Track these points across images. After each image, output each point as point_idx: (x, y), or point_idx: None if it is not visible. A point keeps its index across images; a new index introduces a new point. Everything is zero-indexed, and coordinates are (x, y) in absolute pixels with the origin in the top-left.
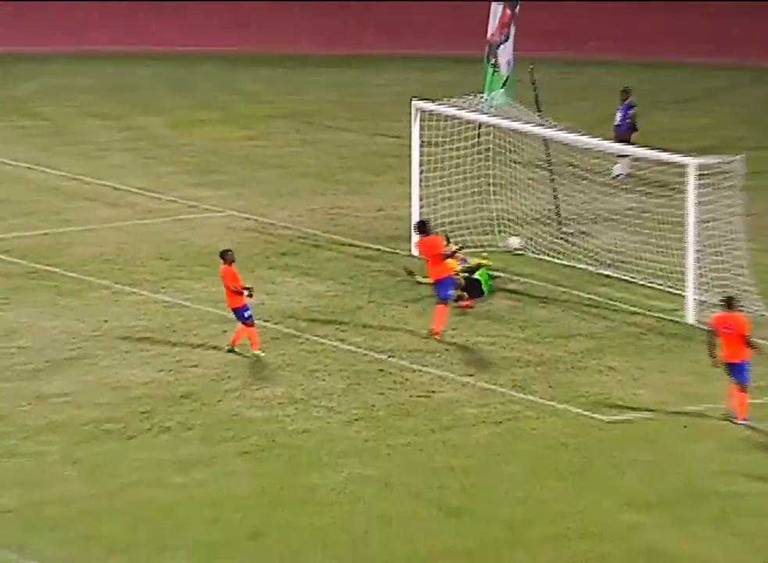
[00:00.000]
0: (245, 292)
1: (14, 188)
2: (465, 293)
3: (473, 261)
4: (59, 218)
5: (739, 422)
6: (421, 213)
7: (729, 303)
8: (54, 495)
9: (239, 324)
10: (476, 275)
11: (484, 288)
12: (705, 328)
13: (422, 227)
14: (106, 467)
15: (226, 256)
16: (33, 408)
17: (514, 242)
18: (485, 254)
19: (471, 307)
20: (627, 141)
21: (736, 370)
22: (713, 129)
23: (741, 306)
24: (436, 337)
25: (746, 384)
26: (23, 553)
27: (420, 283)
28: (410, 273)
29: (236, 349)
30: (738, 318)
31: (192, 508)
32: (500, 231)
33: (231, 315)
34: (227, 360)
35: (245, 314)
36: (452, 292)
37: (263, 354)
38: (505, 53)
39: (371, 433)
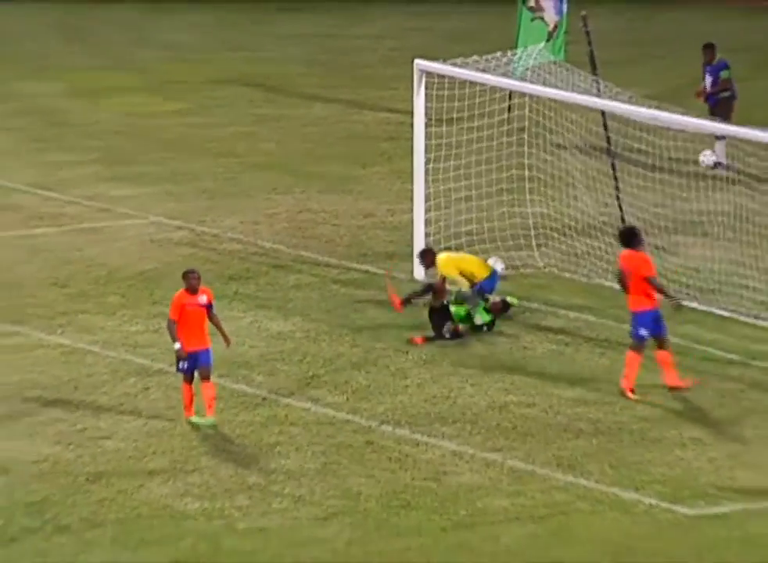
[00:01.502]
0: (176, 346)
1: None
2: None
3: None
4: None
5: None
6: (427, 219)
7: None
8: None
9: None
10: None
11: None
12: None
13: (631, 237)
14: None
15: (186, 278)
16: None
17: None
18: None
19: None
20: (724, 117)
21: None
22: None
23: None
24: (629, 396)
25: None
26: None
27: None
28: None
29: (194, 420)
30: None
31: None
32: (538, 245)
33: (157, 364)
34: (150, 429)
35: (179, 365)
36: (645, 332)
37: (210, 421)
38: None
39: (355, 534)
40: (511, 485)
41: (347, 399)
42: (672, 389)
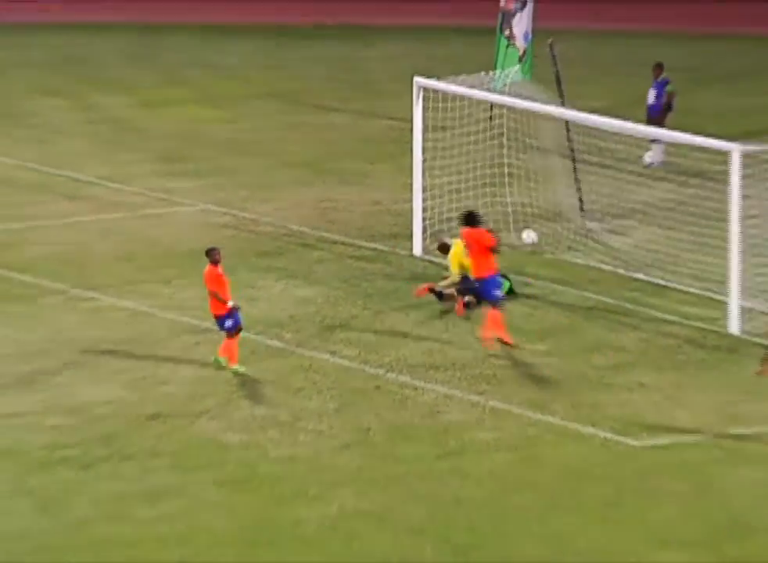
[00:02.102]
0: (229, 305)
1: None
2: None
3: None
4: (7, 213)
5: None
6: (424, 207)
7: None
8: (4, 530)
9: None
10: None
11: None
12: (756, 339)
13: (472, 219)
14: (62, 500)
15: (211, 255)
16: None
17: (530, 236)
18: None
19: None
20: (661, 124)
21: None
22: (762, 111)
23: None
24: (488, 345)
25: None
26: None
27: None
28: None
29: (223, 363)
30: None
31: (160, 546)
32: (515, 228)
33: (206, 323)
34: (200, 376)
35: (226, 323)
36: (499, 293)
37: (242, 369)
38: (521, 23)
39: (366, 461)
40: (491, 422)
41: (359, 352)
42: (485, 340)
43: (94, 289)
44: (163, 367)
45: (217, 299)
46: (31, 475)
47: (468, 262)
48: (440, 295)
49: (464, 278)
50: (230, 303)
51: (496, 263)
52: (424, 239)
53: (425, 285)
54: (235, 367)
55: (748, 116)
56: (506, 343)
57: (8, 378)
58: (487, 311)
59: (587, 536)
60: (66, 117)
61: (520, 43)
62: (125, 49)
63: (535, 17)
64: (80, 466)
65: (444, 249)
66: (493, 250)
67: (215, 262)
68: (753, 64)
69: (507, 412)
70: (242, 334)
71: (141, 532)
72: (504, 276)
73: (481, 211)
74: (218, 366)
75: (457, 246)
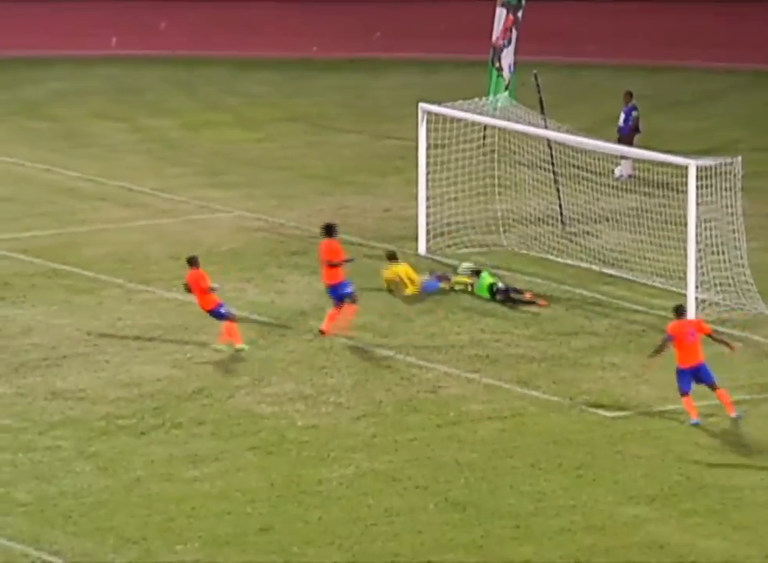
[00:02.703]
0: (215, 286)
1: (29, 189)
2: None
3: (458, 279)
4: (74, 218)
5: (733, 416)
6: (428, 213)
7: (680, 311)
8: (68, 489)
9: (224, 323)
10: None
11: (482, 292)
12: (710, 325)
13: (330, 230)
14: (119, 462)
15: (195, 261)
16: (48, 404)
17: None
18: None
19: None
20: (629, 143)
21: (702, 371)
22: (712, 131)
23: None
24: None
25: (715, 381)
26: (38, 545)
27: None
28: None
29: (244, 347)
30: (695, 322)
31: (203, 502)
32: (504, 231)
33: (241, 312)
34: (237, 357)
35: (223, 311)
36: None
37: (247, 347)
38: (508, 57)
39: (378, 429)
40: (484, 395)
41: (373, 336)
42: (322, 332)
43: (147, 283)
44: (205, 349)
45: (210, 292)
46: (93, 441)
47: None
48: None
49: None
50: (215, 285)
51: (340, 275)
52: (427, 240)
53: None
54: (223, 346)
55: (697, 136)
56: (322, 332)
57: (74, 359)
58: (344, 308)
59: (566, 493)
60: (122, 138)
61: (506, 73)
62: (171, 79)
63: (517, 52)
64: (135, 433)
65: (394, 257)
66: (331, 265)
67: (197, 265)
68: (695, 93)
69: (498, 387)
70: (272, 320)
71: (187, 489)
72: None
73: (475, 216)
74: (240, 351)
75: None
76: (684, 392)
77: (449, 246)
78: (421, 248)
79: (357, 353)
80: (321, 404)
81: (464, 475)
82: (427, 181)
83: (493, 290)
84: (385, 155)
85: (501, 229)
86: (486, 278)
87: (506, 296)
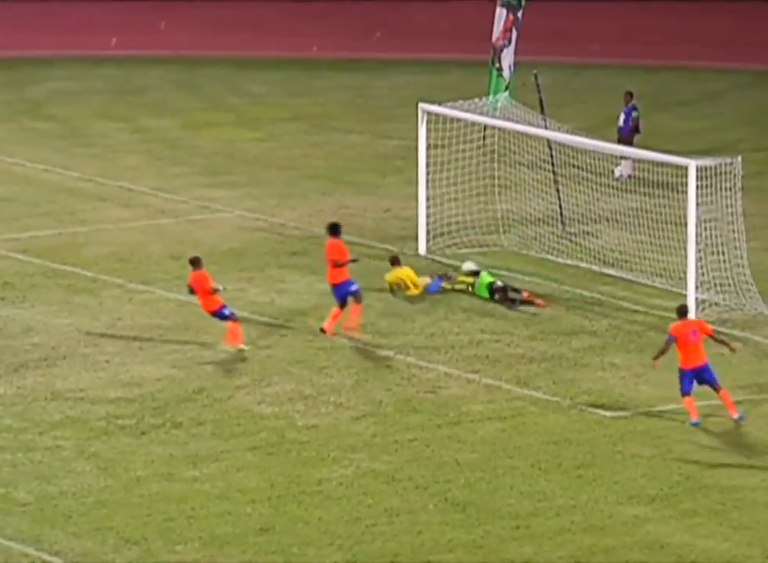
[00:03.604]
0: (219, 288)
1: (29, 189)
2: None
3: (460, 278)
4: (74, 218)
5: (734, 417)
6: (428, 214)
7: (683, 311)
8: (69, 488)
9: (227, 324)
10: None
11: (481, 292)
12: (712, 325)
13: (334, 230)
14: (120, 462)
15: (198, 261)
16: (48, 404)
17: (469, 266)
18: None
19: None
20: (630, 143)
21: (705, 372)
22: (713, 131)
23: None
24: (328, 334)
25: (718, 382)
26: (38, 545)
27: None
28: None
29: (245, 348)
30: (697, 322)
31: (203, 502)
32: (504, 231)
33: (242, 312)
34: (238, 357)
35: (226, 312)
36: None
37: (247, 348)
38: (508, 57)
39: (378, 428)
40: (485, 396)
41: (373, 336)
42: (324, 331)
43: (147, 283)
44: (205, 350)
45: (212, 293)
46: (93, 440)
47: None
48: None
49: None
50: (219, 286)
51: (345, 273)
52: (428, 240)
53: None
54: (229, 346)
55: (698, 135)
56: (323, 331)
57: (75, 359)
58: (348, 307)
59: (566, 493)
60: (123, 137)
61: (506, 73)
62: (172, 79)
63: (517, 52)
64: (135, 433)
65: (396, 261)
66: (336, 265)
67: (200, 266)
68: (694, 93)
69: (497, 387)
70: (272, 320)
71: (187, 489)
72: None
73: (475, 216)
74: (241, 351)
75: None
76: (685, 393)
77: (449, 246)
78: (422, 248)
79: (357, 353)
80: (321, 404)
81: (464, 475)
82: (427, 181)
83: (491, 289)
84: (386, 156)
85: (501, 229)
86: (485, 277)
87: (504, 295)
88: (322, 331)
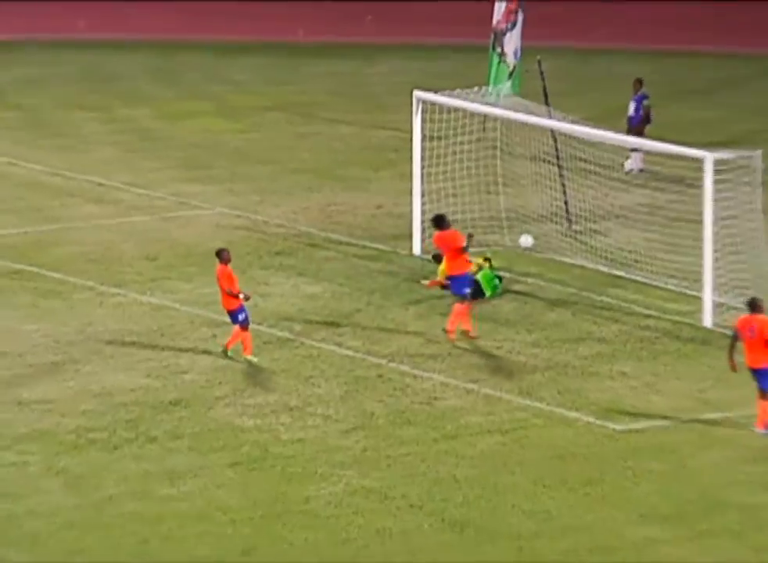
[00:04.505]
0: (241, 297)
1: None
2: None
3: (475, 262)
4: (41, 215)
5: (758, 431)
6: (423, 211)
7: (753, 305)
8: (36, 507)
9: (235, 327)
10: (477, 276)
11: (486, 290)
12: (726, 331)
13: (440, 221)
14: (90, 479)
15: (222, 255)
16: (14, 416)
17: (527, 240)
18: (488, 254)
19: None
20: (640, 134)
21: (760, 376)
22: (731, 121)
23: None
24: (451, 338)
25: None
26: None
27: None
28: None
29: (230, 354)
30: (762, 321)
31: (181, 522)
32: (507, 229)
33: (223, 318)
34: (217, 365)
35: (240, 317)
36: (467, 290)
37: (256, 360)
38: (512, 42)
39: (369, 442)
40: (484, 407)
41: (363, 343)
42: (449, 332)
43: (120, 286)
44: (183, 357)
45: (230, 295)
46: (62, 456)
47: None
48: (443, 286)
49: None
50: (241, 295)
51: (468, 262)
52: (423, 240)
53: (434, 281)
54: (251, 357)
55: (715, 126)
56: (469, 335)
57: (42, 367)
58: (454, 306)
59: (572, 512)
60: (93, 128)
61: (510, 59)
62: (148, 66)
63: (523, 36)
64: (107, 448)
65: (438, 259)
66: (464, 249)
67: (225, 261)
68: (712, 80)
69: (498, 398)
70: (255, 326)
71: (163, 508)
72: (498, 277)
73: (475, 214)
74: (227, 357)
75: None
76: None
77: None
78: (416, 248)
79: (346, 362)
80: (308, 416)
81: (462, 492)
82: (422, 175)
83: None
84: (378, 148)
85: (504, 228)
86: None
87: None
88: (447, 332)
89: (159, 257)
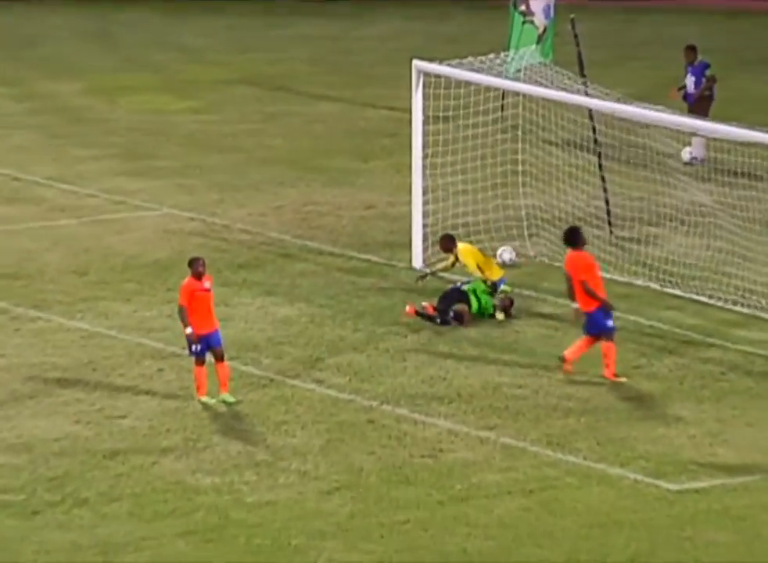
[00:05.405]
0: (188, 332)
1: None
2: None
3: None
4: None
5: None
6: (425, 211)
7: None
8: None
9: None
10: (465, 287)
11: (473, 304)
12: None
13: (575, 237)
14: (4, 551)
15: (191, 264)
16: None
17: (508, 255)
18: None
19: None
20: (703, 114)
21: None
22: None
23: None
24: (568, 370)
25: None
26: None
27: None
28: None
29: (225, 399)
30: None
31: None
32: (530, 236)
33: (171, 348)
34: (164, 408)
35: (192, 347)
36: (611, 323)
37: (212, 401)
38: None
39: (357, 507)
40: (503, 461)
41: (349, 380)
42: (565, 360)
43: (41, 308)
44: (121, 398)
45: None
46: None
47: (483, 263)
48: (429, 318)
49: (492, 284)
50: (188, 330)
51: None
52: (425, 249)
53: (411, 308)
54: (205, 398)
55: None
56: (565, 366)
57: None
58: (601, 345)
59: None
60: (8, 107)
61: (539, 19)
62: (77, 27)
63: None
64: (25, 513)
65: (447, 241)
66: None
67: (197, 275)
68: None
69: (521, 450)
70: (213, 359)
71: None
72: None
73: (490, 216)
74: (226, 404)
75: (470, 247)
76: None
77: None
78: (417, 260)
79: (328, 404)
80: (280, 473)
81: None
82: (424, 167)
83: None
84: (369, 131)
85: (526, 233)
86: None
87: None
88: (562, 360)
89: (90, 271)
